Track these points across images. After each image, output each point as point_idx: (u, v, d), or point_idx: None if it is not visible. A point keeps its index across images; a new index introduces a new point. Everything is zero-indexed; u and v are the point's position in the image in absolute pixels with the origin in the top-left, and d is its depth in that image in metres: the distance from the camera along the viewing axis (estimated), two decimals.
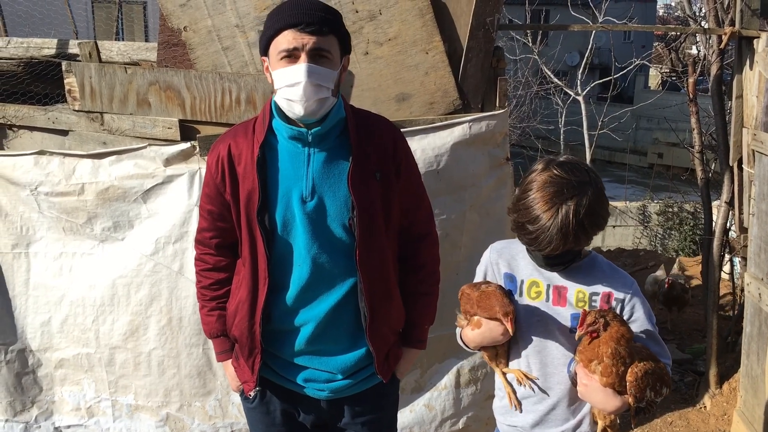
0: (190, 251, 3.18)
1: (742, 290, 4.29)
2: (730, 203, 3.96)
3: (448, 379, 3.49)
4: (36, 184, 3.20)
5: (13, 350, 3.24)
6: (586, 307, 2.04)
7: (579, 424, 2.13)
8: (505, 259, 2.18)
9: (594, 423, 2.11)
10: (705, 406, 4.17)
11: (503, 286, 2.15)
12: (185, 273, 3.19)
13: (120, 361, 3.23)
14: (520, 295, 2.13)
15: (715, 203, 4.44)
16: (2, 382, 3.23)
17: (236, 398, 3.29)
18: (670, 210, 12.50)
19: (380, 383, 2.25)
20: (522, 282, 2.14)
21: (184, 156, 3.22)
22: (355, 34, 3.19)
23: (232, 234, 2.19)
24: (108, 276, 3.18)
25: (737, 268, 4.46)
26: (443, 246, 3.30)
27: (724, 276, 4.79)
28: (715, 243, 4.11)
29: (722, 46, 3.70)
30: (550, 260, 2.05)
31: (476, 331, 2.14)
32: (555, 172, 1.95)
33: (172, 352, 3.21)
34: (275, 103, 2.08)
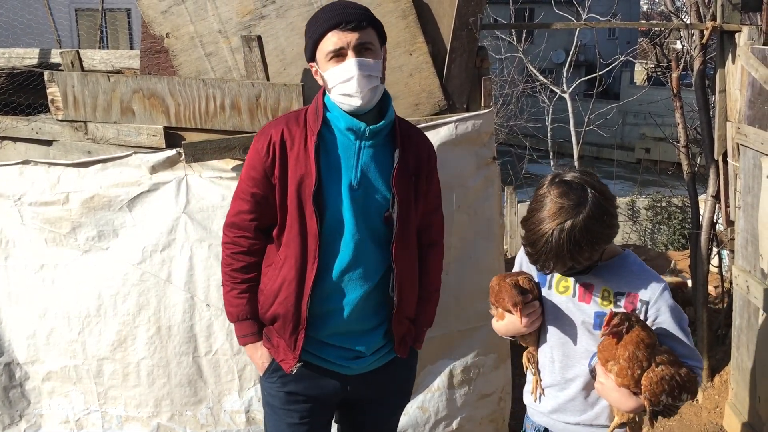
0: (178, 259, 3.18)
1: (731, 283, 4.30)
2: (716, 197, 3.97)
3: (440, 381, 3.49)
4: (20, 195, 3.19)
5: (0, 363, 3.21)
6: (611, 306, 2.09)
7: (596, 417, 2.21)
8: None
9: (612, 417, 2.15)
10: (697, 400, 4.18)
11: (535, 277, 2.25)
12: (173, 281, 3.17)
13: (108, 372, 3.21)
14: (549, 288, 2.23)
15: (701, 197, 4.46)
16: None
17: (228, 406, 3.28)
18: (659, 204, 12.57)
19: (397, 357, 2.43)
20: (552, 276, 2.22)
21: (170, 163, 3.21)
22: None
23: (270, 218, 2.30)
24: (93, 286, 3.16)
25: (726, 261, 4.48)
26: None
27: (713, 269, 4.81)
28: (703, 237, 4.13)
29: (704, 40, 3.72)
30: (566, 274, 2.15)
31: (501, 322, 2.27)
32: (552, 195, 2.00)
33: (162, 361, 3.19)
34: (328, 98, 2.24)
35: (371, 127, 2.23)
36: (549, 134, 9.98)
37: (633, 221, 12.98)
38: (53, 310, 3.19)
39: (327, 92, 2.26)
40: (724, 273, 4.63)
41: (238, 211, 2.35)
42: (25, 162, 3.23)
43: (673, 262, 6.51)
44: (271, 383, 2.40)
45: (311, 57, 2.24)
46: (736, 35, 3.55)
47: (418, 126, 3.20)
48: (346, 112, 2.22)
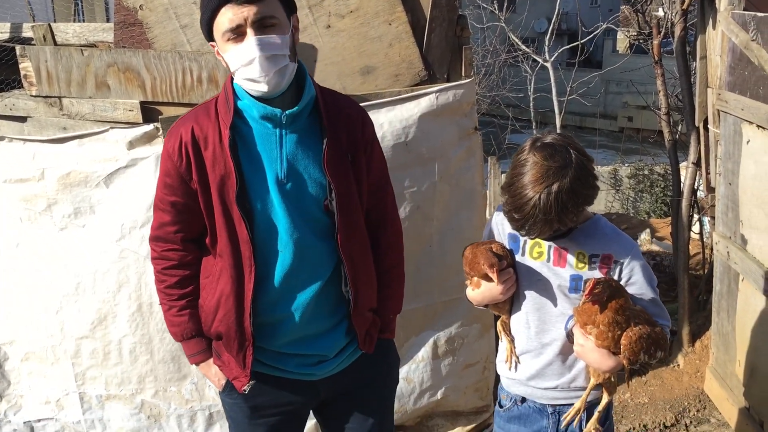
0: None
1: (712, 249, 4.34)
2: (697, 164, 3.99)
3: (425, 351, 3.50)
4: None
5: None
6: (586, 269, 2.11)
7: (573, 379, 2.22)
8: None
9: (589, 379, 2.18)
10: (678, 365, 4.24)
11: (506, 245, 2.22)
12: None
13: (87, 351, 3.17)
14: (523, 254, 2.21)
15: (683, 164, 4.47)
16: None
17: None
18: (641, 173, 12.65)
19: (365, 353, 2.23)
20: (525, 242, 2.20)
21: (147, 138, 3.16)
22: (316, 7, 3.14)
23: (198, 226, 2.07)
24: (71, 264, 3.11)
25: (707, 227, 4.51)
26: (415, 219, 3.32)
27: (694, 236, 4.85)
28: (684, 204, 4.15)
29: (685, 6, 3.69)
30: (543, 238, 2.12)
31: (477, 291, 2.22)
32: (535, 158, 1.98)
33: (144, 338, 3.17)
34: (237, 84, 1.99)
35: (288, 111, 1.96)
36: (531, 104, 9.96)
37: (616, 190, 13.06)
38: (31, 289, 3.15)
39: (232, 76, 1.99)
40: (705, 239, 4.67)
41: (160, 224, 2.11)
42: (0, 138, 3.17)
43: (647, 230, 6.56)
44: (233, 399, 2.21)
45: (209, 36, 1.95)
46: (717, 0, 3.54)
47: (399, 97, 3.20)
48: (255, 98, 1.97)
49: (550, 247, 2.17)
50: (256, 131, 1.98)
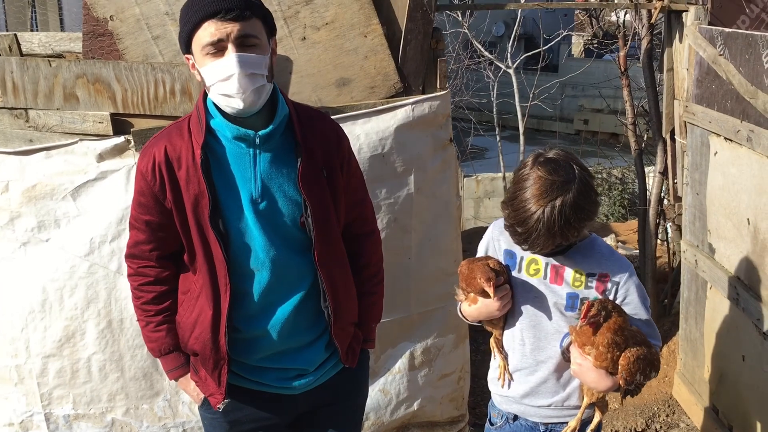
0: None
1: (674, 254, 4.44)
2: (663, 173, 4.07)
3: (401, 363, 3.50)
4: None
5: None
6: (583, 287, 2.14)
7: (567, 397, 2.24)
8: (506, 236, 2.24)
9: (582, 397, 2.21)
10: None
11: (502, 261, 2.23)
12: (124, 272, 3.02)
13: (54, 370, 3.07)
14: (519, 271, 2.22)
15: (648, 172, 4.56)
16: None
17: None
18: (599, 176, 12.84)
19: (347, 367, 2.25)
20: (522, 259, 2.22)
21: (118, 151, 3.10)
22: (291, 19, 3.11)
23: (173, 243, 2.08)
24: (36, 280, 3.01)
25: (670, 234, 4.61)
26: (393, 231, 3.31)
27: (659, 241, 4.94)
28: (651, 212, 4.23)
29: (652, 20, 3.77)
30: (543, 253, 2.13)
31: (473, 306, 2.23)
32: (539, 173, 2.00)
33: (114, 355, 3.10)
34: (210, 101, 1.97)
35: (261, 132, 1.96)
36: (494, 109, 10.06)
37: None
38: None
39: (207, 91, 1.97)
40: (669, 245, 4.76)
41: (135, 242, 2.12)
42: None
43: (611, 236, 6.66)
44: (212, 415, 2.20)
45: (186, 48, 1.94)
46: (684, 15, 3.61)
47: (374, 109, 3.20)
48: (228, 116, 1.96)
49: (546, 264, 2.18)
50: (230, 151, 1.98)
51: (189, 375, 2.19)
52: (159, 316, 2.14)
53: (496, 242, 2.29)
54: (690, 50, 3.52)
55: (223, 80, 1.86)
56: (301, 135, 2.02)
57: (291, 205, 2.02)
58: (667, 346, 4.34)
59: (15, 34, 3.17)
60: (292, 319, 2.09)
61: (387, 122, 3.19)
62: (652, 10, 3.73)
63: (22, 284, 3.06)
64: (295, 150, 2.01)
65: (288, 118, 2.02)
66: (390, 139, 3.20)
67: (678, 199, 3.91)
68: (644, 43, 4.03)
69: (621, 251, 5.44)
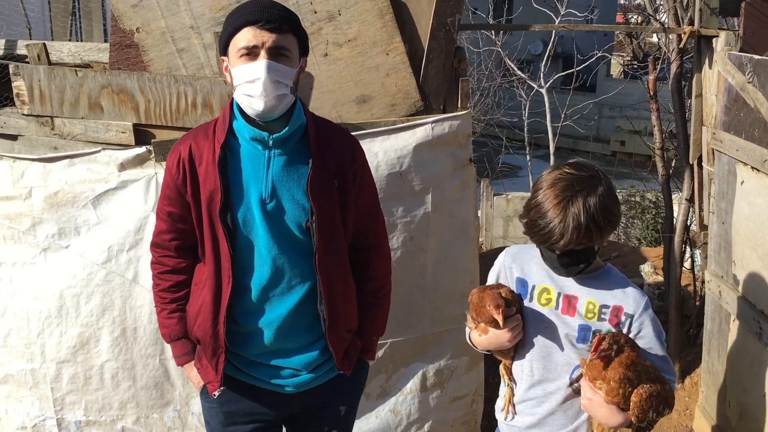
0: (145, 258, 3.10)
1: (703, 282, 4.33)
2: (690, 200, 3.98)
3: (413, 383, 3.47)
4: None
5: None
6: (596, 319, 2.08)
7: (575, 431, 2.18)
8: (518, 264, 2.21)
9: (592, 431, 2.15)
10: None
11: (514, 290, 2.18)
12: (140, 281, 3.10)
13: (68, 376, 3.11)
14: (530, 300, 2.17)
15: (675, 197, 4.47)
16: None
17: (196, 408, 3.22)
18: (633, 199, 12.64)
19: (342, 373, 2.30)
20: (533, 287, 2.17)
21: (139, 161, 3.13)
22: (314, 36, 3.12)
23: (192, 235, 2.19)
24: (54, 286, 3.06)
25: (698, 261, 4.50)
26: (409, 249, 3.29)
27: (686, 267, 4.83)
28: (676, 240, 4.14)
29: (681, 45, 3.70)
30: (564, 259, 2.02)
31: (484, 337, 2.19)
32: (564, 170, 2.00)
33: (127, 363, 3.12)
34: (236, 104, 2.10)
35: (274, 136, 2.08)
36: (525, 128, 9.98)
37: None
38: (11, 311, 3.09)
39: (233, 91, 2.11)
40: (696, 273, 4.66)
41: (159, 231, 2.26)
42: None
43: (648, 263, 6.53)
44: (210, 403, 2.30)
45: (223, 50, 2.08)
46: (714, 40, 3.54)
47: (394, 127, 3.19)
48: (251, 116, 2.08)
49: (559, 294, 2.13)
50: (247, 151, 2.10)
51: (193, 362, 2.29)
52: (173, 304, 2.27)
53: (508, 270, 2.24)
54: (719, 76, 3.45)
55: (250, 81, 1.98)
56: (315, 144, 2.12)
57: (298, 209, 2.11)
58: (690, 378, 4.23)
59: (44, 43, 3.24)
60: (290, 319, 2.16)
61: (406, 140, 3.18)
62: (682, 35, 3.66)
63: (40, 289, 3.10)
64: (308, 157, 2.11)
65: (305, 127, 2.14)
66: (408, 157, 3.18)
67: (704, 227, 3.82)
68: (674, 68, 3.96)
69: (659, 278, 5.32)
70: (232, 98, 2.12)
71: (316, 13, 3.10)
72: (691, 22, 3.63)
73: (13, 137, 3.30)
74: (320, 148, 2.13)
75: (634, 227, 12.50)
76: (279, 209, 2.10)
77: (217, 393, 2.21)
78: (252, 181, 2.09)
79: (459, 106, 3.33)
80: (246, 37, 1.97)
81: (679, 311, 4.22)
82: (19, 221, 3.09)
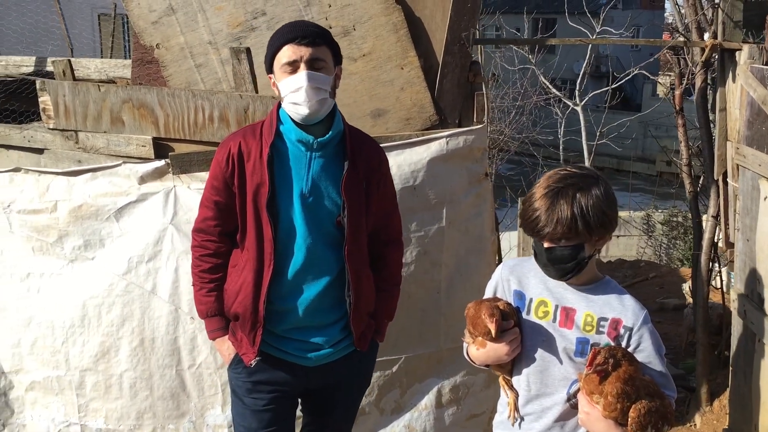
0: (163, 270, 3.16)
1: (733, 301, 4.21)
2: (716, 217, 3.89)
3: (428, 399, 3.43)
4: (9, 202, 3.18)
5: None
6: (594, 332, 2.04)
7: None
8: (516, 276, 2.19)
9: None
10: (695, 424, 4.09)
11: (511, 302, 2.16)
12: (158, 292, 3.15)
13: (91, 383, 3.18)
14: (528, 313, 2.14)
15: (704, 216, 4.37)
16: None
17: (211, 420, 3.25)
18: (675, 219, 12.36)
19: (357, 350, 2.55)
20: (531, 300, 2.14)
21: (158, 174, 3.20)
22: None
23: (233, 223, 2.44)
24: (78, 296, 3.14)
25: (725, 279, 4.38)
26: (422, 264, 3.28)
27: (716, 286, 4.71)
28: (703, 258, 4.04)
29: (703, 58, 3.64)
30: (550, 254, 2.00)
31: (482, 350, 2.17)
32: (564, 168, 2.03)
33: (145, 373, 3.17)
34: (283, 111, 2.38)
35: (319, 139, 2.35)
36: (561, 147, 9.89)
37: (648, 236, 12.78)
38: (38, 320, 3.18)
39: (281, 102, 2.39)
40: (723, 292, 4.53)
41: (204, 218, 2.50)
42: (16, 170, 3.23)
43: (688, 284, 6.38)
44: (237, 374, 2.54)
45: (269, 68, 2.38)
46: (737, 53, 3.47)
47: (408, 141, 3.20)
48: (296, 122, 2.35)
49: (556, 307, 2.09)
50: (291, 151, 2.37)
51: (226, 337, 2.53)
52: (211, 284, 2.51)
53: (506, 282, 2.21)
54: (742, 90, 3.37)
55: (294, 91, 2.27)
56: (351, 150, 2.41)
57: (332, 204, 2.39)
58: (719, 401, 4.10)
59: (69, 60, 3.35)
60: (317, 300, 2.43)
61: (420, 154, 3.18)
62: (704, 49, 3.60)
63: (65, 299, 3.18)
64: (343, 161, 2.39)
65: (342, 134, 2.42)
66: (422, 171, 3.18)
67: (730, 245, 3.72)
68: (698, 82, 3.89)
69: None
70: (278, 105, 2.41)
71: (331, 28, 3.14)
72: (714, 36, 3.57)
73: (39, 151, 3.40)
74: (354, 153, 2.41)
75: (676, 248, 12.23)
76: (316, 204, 2.38)
77: (253, 362, 2.45)
78: (295, 178, 2.36)
79: (474, 120, 3.32)
80: (287, 53, 2.27)
81: (707, 331, 4.10)
82: (46, 233, 3.18)
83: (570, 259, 2.00)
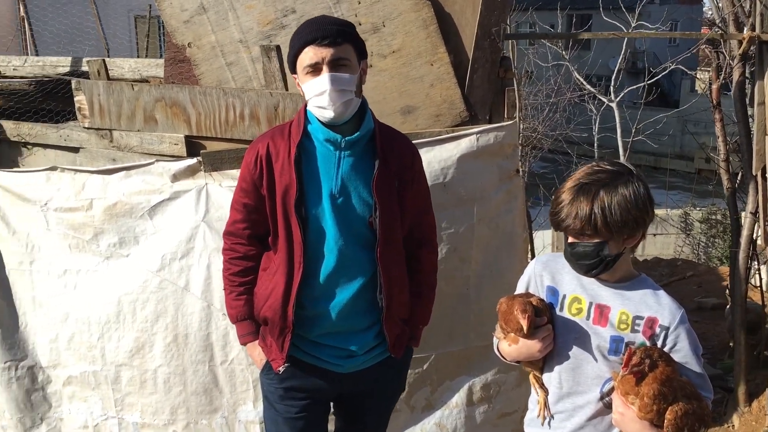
0: (196, 267, 3.19)
1: None
2: (755, 213, 3.80)
3: (459, 397, 3.42)
4: (46, 200, 3.24)
5: (24, 366, 3.28)
6: (629, 331, 2.01)
7: None
8: (549, 272, 2.16)
9: None
10: (733, 425, 4.00)
11: (544, 298, 2.13)
12: (191, 289, 3.19)
13: (126, 378, 3.23)
14: (561, 310, 2.11)
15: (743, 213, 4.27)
16: (12, 398, 3.26)
17: (243, 416, 3.28)
18: (714, 217, 12.12)
19: (391, 356, 2.49)
20: (564, 297, 2.11)
21: (191, 171, 3.23)
22: None
23: (263, 225, 2.39)
24: (113, 293, 3.19)
25: (765, 277, 4.28)
26: (452, 260, 3.26)
27: (754, 284, 4.60)
28: (741, 256, 3.95)
29: (741, 51, 3.55)
30: (573, 249, 1.99)
31: (513, 347, 2.14)
32: (597, 163, 2.00)
33: (178, 369, 3.21)
34: (310, 110, 2.33)
35: (347, 138, 2.30)
36: (596, 144, 9.76)
37: (686, 234, 12.55)
38: (74, 315, 3.24)
39: (307, 103, 2.35)
40: (765, 290, 4.43)
41: (233, 221, 2.47)
42: (52, 168, 3.29)
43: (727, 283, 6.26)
44: (270, 379, 2.49)
45: (292, 69, 2.33)
46: None
47: (438, 138, 3.18)
48: (323, 123, 2.30)
49: (590, 304, 2.06)
50: (319, 151, 2.32)
51: (257, 342, 2.49)
52: (241, 288, 2.47)
53: (539, 278, 2.18)
54: None
55: (318, 95, 2.22)
56: (381, 148, 2.34)
57: (363, 205, 2.33)
58: (758, 401, 4.01)
59: (104, 60, 3.40)
60: (351, 304, 2.37)
61: (450, 151, 3.17)
62: (742, 41, 3.51)
63: (101, 296, 3.24)
64: (374, 159, 2.33)
65: (372, 131, 2.35)
66: (452, 168, 3.17)
67: None
68: (735, 75, 3.80)
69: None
70: (306, 104, 2.34)
71: (360, 25, 3.14)
72: (753, 28, 3.49)
73: (75, 150, 3.46)
74: (385, 151, 2.35)
75: (715, 247, 12.00)
76: (347, 204, 2.32)
77: (281, 369, 2.40)
78: (324, 178, 2.31)
79: (505, 116, 3.29)
80: (308, 55, 2.21)
81: (745, 331, 4.01)
82: (82, 231, 3.24)
83: (592, 256, 1.98)
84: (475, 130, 3.19)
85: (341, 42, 2.22)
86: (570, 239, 1.99)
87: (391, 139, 2.42)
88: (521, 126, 3.46)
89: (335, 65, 2.21)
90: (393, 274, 2.40)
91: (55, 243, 3.27)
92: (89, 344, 3.26)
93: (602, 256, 1.97)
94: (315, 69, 2.21)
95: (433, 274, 2.61)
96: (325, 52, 2.20)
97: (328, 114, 2.24)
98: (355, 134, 2.31)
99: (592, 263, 1.99)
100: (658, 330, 2.00)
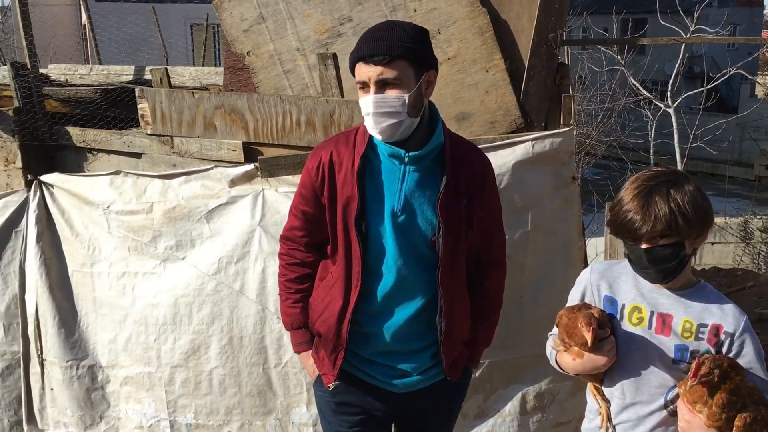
0: (251, 271, 3.25)
1: None
2: None
3: (512, 406, 3.39)
4: (109, 203, 3.35)
5: (84, 366, 3.39)
6: (693, 339, 1.98)
7: None
8: (606, 281, 2.11)
9: None
10: None
11: (602, 309, 2.09)
12: (246, 292, 3.24)
13: (180, 380, 3.30)
14: (621, 320, 2.07)
15: None
16: (74, 397, 3.37)
17: (296, 418, 3.32)
18: None
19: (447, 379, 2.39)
20: (623, 306, 2.07)
21: (248, 177, 3.29)
22: None
23: (321, 234, 2.33)
24: (170, 295, 3.27)
25: None
26: (507, 268, 3.24)
27: None
28: None
29: None
30: (651, 254, 1.92)
31: (578, 361, 2.08)
32: (648, 169, 2.01)
33: (233, 371, 3.27)
34: None
35: (411, 153, 2.18)
36: (651, 150, 9.58)
37: (746, 243, 12.21)
38: (132, 317, 3.33)
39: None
40: None
41: (291, 227, 2.42)
42: (116, 173, 3.40)
43: None
44: (322, 392, 2.44)
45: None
46: None
47: (493, 144, 3.17)
48: None
49: (652, 313, 2.02)
50: (384, 165, 2.22)
51: (311, 352, 2.42)
52: (297, 295, 2.41)
53: (595, 288, 2.13)
54: None
55: (365, 114, 2.15)
56: (451, 164, 2.22)
57: (426, 224, 2.22)
58: None
59: (166, 68, 3.50)
60: (407, 325, 2.28)
61: (505, 158, 3.15)
62: None
63: (158, 298, 3.32)
64: (441, 175, 2.21)
65: (442, 146, 2.23)
66: (507, 174, 3.15)
67: None
68: None
69: None
70: None
71: None
72: None
73: (138, 155, 3.56)
74: (454, 167, 2.23)
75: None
76: (409, 223, 2.22)
77: (332, 386, 2.34)
78: (387, 193, 2.21)
79: (561, 123, 3.26)
80: (359, 72, 2.14)
81: None
82: (141, 234, 3.33)
83: (672, 258, 1.92)
84: (531, 136, 3.17)
85: (391, 59, 2.09)
86: (644, 245, 1.92)
87: (464, 153, 2.30)
88: (575, 131, 3.42)
89: (382, 85, 2.10)
90: (454, 297, 2.30)
91: (115, 245, 3.37)
92: (146, 345, 3.34)
93: (681, 257, 1.93)
94: (364, 86, 2.13)
95: (499, 296, 2.51)
96: (371, 72, 2.09)
97: (375, 135, 2.16)
98: (420, 151, 2.19)
99: (671, 266, 1.94)
100: (722, 337, 1.96)
